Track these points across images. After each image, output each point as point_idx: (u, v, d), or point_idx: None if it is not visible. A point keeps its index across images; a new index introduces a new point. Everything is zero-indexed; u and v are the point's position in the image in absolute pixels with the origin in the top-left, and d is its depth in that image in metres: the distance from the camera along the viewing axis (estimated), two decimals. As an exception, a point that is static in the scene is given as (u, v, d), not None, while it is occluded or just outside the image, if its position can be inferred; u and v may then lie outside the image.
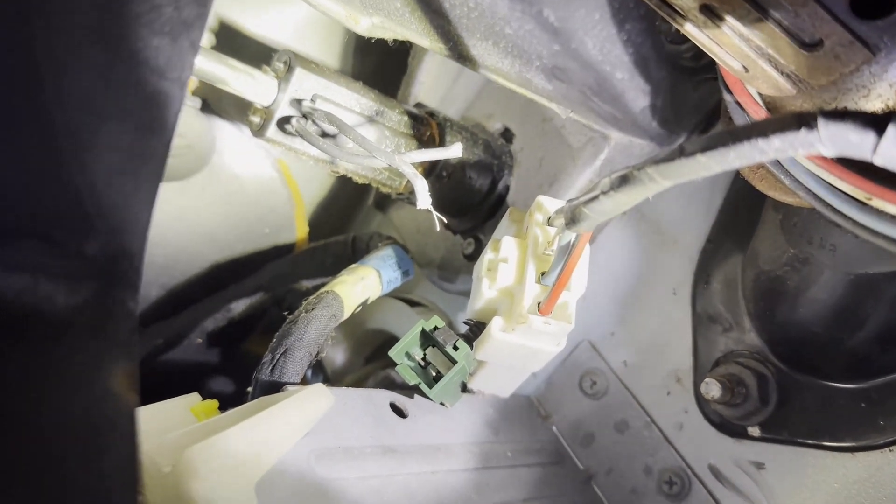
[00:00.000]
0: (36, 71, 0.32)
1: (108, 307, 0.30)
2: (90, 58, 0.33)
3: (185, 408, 0.52)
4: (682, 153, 0.40)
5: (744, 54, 0.45)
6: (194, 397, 0.54)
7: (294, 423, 0.46)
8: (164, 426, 0.46)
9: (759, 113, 0.50)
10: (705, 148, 0.38)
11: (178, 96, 0.35)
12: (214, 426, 0.44)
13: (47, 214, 0.31)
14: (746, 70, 0.47)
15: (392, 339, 0.96)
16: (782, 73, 0.44)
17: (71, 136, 0.32)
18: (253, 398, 0.56)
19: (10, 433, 0.26)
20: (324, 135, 0.60)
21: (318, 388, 0.49)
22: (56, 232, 0.31)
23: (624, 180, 0.43)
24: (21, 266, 0.29)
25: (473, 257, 0.76)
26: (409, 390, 0.61)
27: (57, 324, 0.29)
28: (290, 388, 0.52)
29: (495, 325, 0.55)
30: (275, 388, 0.56)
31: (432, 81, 0.76)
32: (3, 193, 0.31)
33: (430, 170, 0.69)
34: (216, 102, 0.75)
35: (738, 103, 0.51)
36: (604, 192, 0.44)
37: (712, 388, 0.60)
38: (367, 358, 0.96)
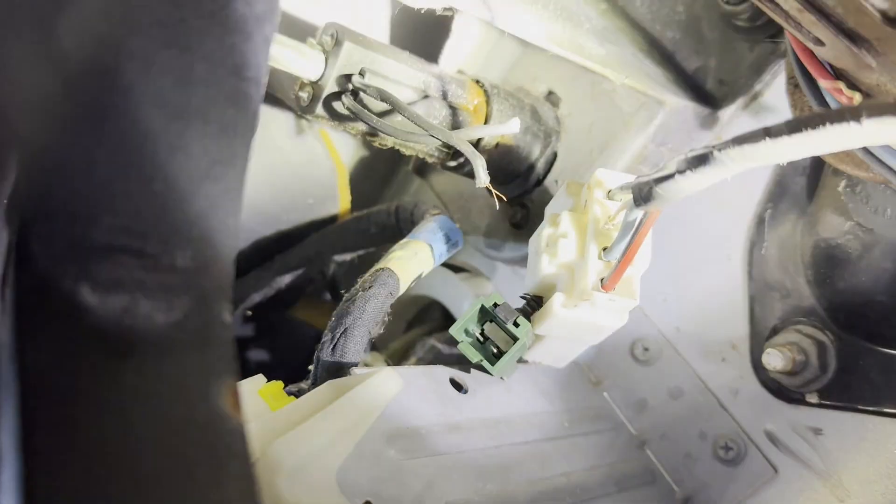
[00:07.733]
0: (119, 73, 0.31)
1: (205, 321, 0.30)
2: (168, 59, 0.33)
3: (252, 392, 0.52)
4: (767, 134, 0.38)
5: (820, 27, 0.43)
6: (259, 379, 0.54)
7: (367, 409, 0.46)
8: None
9: (831, 85, 0.48)
10: (793, 130, 0.37)
11: (256, 96, 0.35)
12: (291, 417, 0.44)
13: (138, 227, 0.30)
14: (822, 43, 0.45)
15: (433, 304, 0.96)
16: (861, 48, 0.43)
17: (156, 142, 0.32)
18: (315, 378, 0.56)
19: (130, 457, 0.26)
20: (374, 111, 0.59)
21: (388, 371, 0.49)
22: (148, 245, 0.30)
23: (702, 160, 0.42)
24: (118, 285, 0.29)
25: (521, 225, 0.76)
26: (466, 364, 0.61)
27: (159, 343, 0.28)
28: (356, 371, 0.52)
29: (557, 302, 0.55)
30: (337, 367, 0.56)
31: (475, 46, 0.73)
32: (93, 207, 0.30)
33: (478, 139, 0.67)
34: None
35: (807, 74, 0.50)
36: (679, 172, 0.43)
37: (774, 359, 0.60)
38: (409, 322, 0.96)
